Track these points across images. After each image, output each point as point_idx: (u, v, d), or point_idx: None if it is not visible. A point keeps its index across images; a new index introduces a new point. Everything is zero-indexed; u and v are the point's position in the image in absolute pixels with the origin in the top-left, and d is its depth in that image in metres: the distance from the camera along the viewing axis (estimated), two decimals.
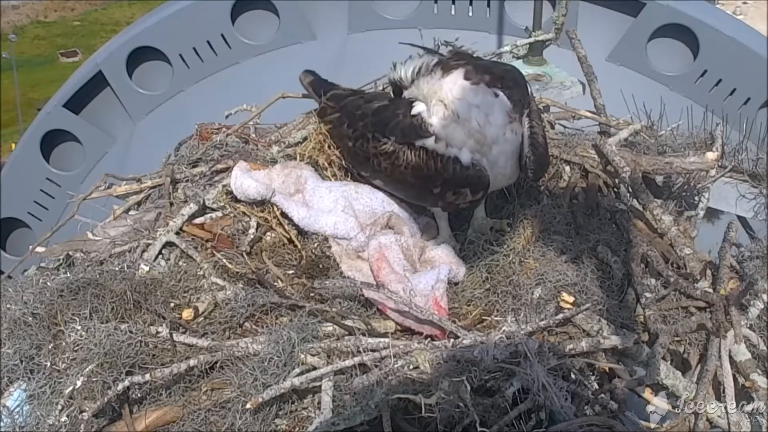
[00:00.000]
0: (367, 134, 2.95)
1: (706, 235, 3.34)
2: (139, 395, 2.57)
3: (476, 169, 2.80)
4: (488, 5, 5.82)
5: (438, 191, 2.83)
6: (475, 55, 3.28)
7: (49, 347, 2.64)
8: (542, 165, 2.96)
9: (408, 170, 2.80)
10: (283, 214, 3.13)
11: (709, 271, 2.95)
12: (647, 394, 2.62)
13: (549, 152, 3.07)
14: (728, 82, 5.48)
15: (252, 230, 3.13)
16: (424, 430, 2.49)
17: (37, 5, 45.00)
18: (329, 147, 3.33)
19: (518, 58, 5.03)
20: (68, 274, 2.95)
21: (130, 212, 3.53)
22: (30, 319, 2.71)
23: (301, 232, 3.13)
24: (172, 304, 2.82)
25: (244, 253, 3.02)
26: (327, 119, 3.27)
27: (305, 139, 3.62)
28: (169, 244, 3.09)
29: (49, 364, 2.60)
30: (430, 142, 2.82)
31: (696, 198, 3.49)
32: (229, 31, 5.95)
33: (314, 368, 2.56)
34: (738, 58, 5.50)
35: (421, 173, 2.80)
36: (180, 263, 3.03)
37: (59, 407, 2.51)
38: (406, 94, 2.97)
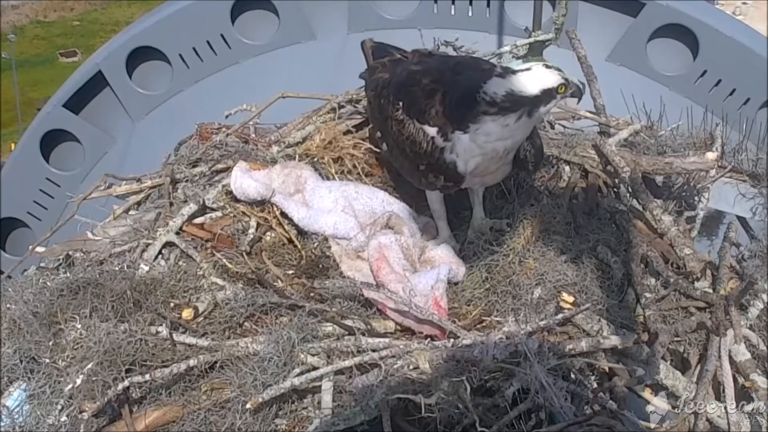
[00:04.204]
0: (390, 96, 3.02)
1: (706, 235, 3.33)
2: (138, 395, 2.57)
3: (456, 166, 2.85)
4: (488, 5, 5.81)
5: (423, 169, 2.90)
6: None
7: (49, 344, 2.64)
8: (539, 160, 3.03)
9: (408, 142, 2.88)
10: (283, 214, 3.14)
11: (709, 271, 2.95)
12: (647, 394, 2.62)
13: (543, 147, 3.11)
14: (728, 82, 5.47)
15: (252, 230, 3.13)
16: (424, 430, 2.49)
17: (36, 5, 44.95)
18: (338, 142, 3.37)
19: (518, 58, 5.02)
20: (68, 274, 2.95)
21: (130, 212, 3.54)
22: (30, 318, 2.71)
23: (301, 232, 3.13)
24: (171, 304, 2.83)
25: (243, 253, 3.02)
26: (374, 77, 3.29)
27: (305, 138, 3.63)
28: (169, 244, 3.09)
29: (48, 362, 2.60)
30: (429, 129, 2.84)
31: (696, 198, 3.49)
32: (229, 31, 5.94)
33: (314, 368, 2.56)
34: (738, 59, 5.48)
35: (415, 149, 2.87)
36: (180, 263, 3.04)
37: (59, 407, 2.51)
38: None
